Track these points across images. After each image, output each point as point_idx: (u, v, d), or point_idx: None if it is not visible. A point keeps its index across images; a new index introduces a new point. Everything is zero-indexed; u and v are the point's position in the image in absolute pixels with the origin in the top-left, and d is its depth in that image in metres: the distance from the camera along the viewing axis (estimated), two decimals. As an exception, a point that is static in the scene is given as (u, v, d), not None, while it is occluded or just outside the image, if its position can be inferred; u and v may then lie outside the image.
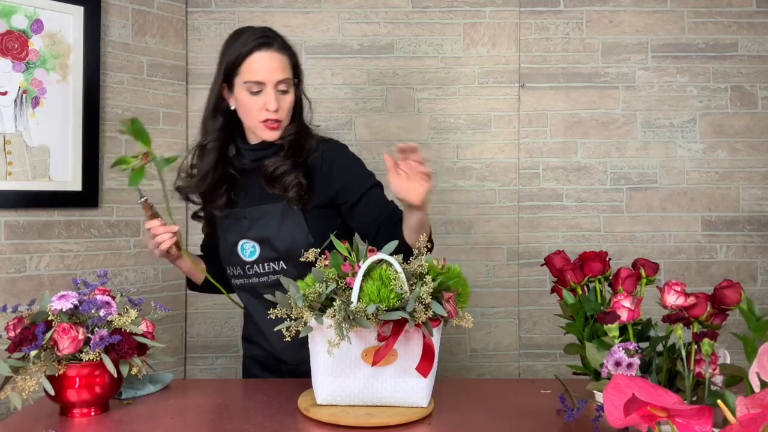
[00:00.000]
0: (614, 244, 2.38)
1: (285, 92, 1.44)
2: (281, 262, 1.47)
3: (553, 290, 1.35)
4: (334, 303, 1.09)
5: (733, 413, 0.62)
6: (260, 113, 1.42)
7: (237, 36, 1.45)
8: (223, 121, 1.48)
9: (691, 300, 1.16)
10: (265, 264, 1.48)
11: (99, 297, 1.20)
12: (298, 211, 1.45)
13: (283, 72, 1.42)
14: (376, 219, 1.45)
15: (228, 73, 1.43)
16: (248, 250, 1.48)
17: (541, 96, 2.39)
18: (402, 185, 1.24)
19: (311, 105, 1.58)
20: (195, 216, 1.64)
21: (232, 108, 1.47)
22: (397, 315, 1.08)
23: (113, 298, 1.24)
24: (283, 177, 1.44)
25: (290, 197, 1.44)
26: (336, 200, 1.48)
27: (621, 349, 1.04)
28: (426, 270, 1.16)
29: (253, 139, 1.51)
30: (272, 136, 1.45)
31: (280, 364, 1.56)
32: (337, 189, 1.47)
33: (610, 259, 1.32)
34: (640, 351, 1.06)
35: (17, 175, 1.89)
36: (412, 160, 1.24)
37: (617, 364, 1.03)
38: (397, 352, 1.14)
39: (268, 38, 1.42)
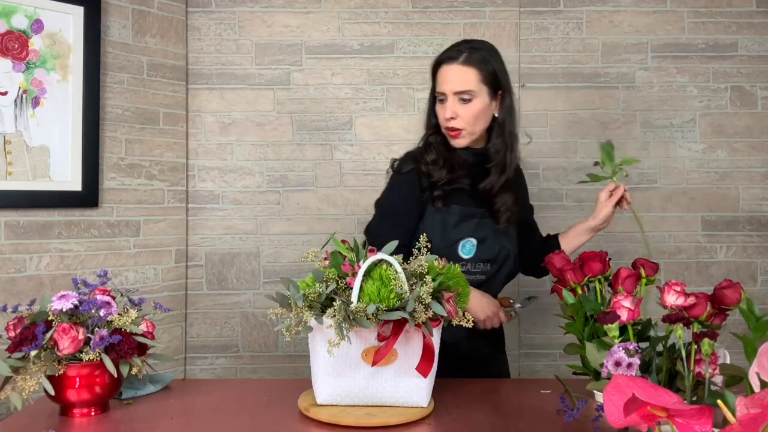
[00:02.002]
0: (614, 244, 2.38)
1: (466, 101, 1.51)
2: (491, 263, 1.56)
3: (553, 290, 1.35)
4: (334, 303, 1.09)
5: (733, 413, 0.62)
6: (443, 121, 1.54)
7: (448, 47, 1.57)
8: (438, 122, 1.58)
9: (691, 300, 1.16)
10: (479, 263, 1.56)
11: (99, 297, 1.20)
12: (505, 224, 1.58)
13: (463, 84, 1.50)
14: (538, 238, 1.75)
15: (432, 83, 1.57)
16: (468, 248, 1.53)
17: (541, 96, 2.39)
18: (610, 213, 1.57)
19: (514, 117, 1.60)
20: (434, 203, 1.58)
21: None
22: (397, 315, 1.08)
23: (113, 298, 1.24)
24: (496, 198, 1.57)
25: (501, 221, 1.57)
26: (523, 219, 1.68)
27: (621, 349, 1.04)
28: (426, 270, 1.17)
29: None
30: (455, 143, 1.55)
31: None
32: (525, 210, 1.71)
33: (610, 259, 1.32)
34: (640, 351, 1.06)
35: (17, 175, 1.89)
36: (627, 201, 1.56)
37: (617, 364, 1.03)
38: (397, 352, 1.14)
39: (457, 52, 1.52)
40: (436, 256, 1.23)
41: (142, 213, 2.19)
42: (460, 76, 1.50)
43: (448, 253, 1.49)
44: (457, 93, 1.50)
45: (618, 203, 1.56)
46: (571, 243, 1.65)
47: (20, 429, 1.12)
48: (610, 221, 1.60)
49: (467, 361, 1.58)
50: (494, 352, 1.71)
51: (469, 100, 1.50)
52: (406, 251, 1.53)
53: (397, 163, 1.61)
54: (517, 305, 1.61)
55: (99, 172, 2.06)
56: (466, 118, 1.51)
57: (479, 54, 1.52)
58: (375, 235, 1.55)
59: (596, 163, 1.55)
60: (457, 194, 1.54)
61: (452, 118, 1.50)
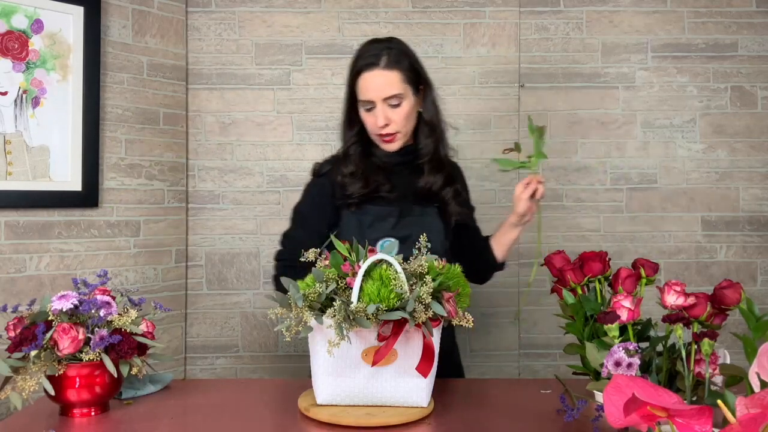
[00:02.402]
0: (614, 244, 2.38)
1: (396, 106, 1.48)
2: None
3: (553, 290, 1.35)
4: (334, 303, 1.09)
5: (733, 413, 0.62)
6: (374, 129, 1.50)
7: (357, 53, 1.52)
8: (359, 128, 1.55)
9: (691, 300, 1.16)
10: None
11: (99, 297, 1.20)
12: (438, 217, 1.55)
13: (391, 88, 1.47)
14: (478, 239, 1.67)
15: (350, 92, 1.53)
16: (387, 246, 1.48)
17: (541, 96, 2.39)
18: (527, 206, 1.47)
19: (438, 110, 1.58)
20: (348, 207, 1.56)
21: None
22: (397, 315, 1.08)
23: (113, 298, 1.24)
24: (440, 191, 1.55)
25: (451, 207, 1.54)
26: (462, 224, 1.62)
27: (621, 349, 1.04)
28: (426, 270, 1.17)
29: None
30: (389, 147, 1.53)
31: None
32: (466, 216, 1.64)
33: (610, 259, 1.32)
34: (640, 351, 1.06)
35: (17, 175, 1.89)
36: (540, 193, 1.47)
37: (617, 364, 1.03)
38: (397, 352, 1.14)
39: (375, 57, 1.47)
40: (436, 256, 1.23)
41: (142, 213, 2.19)
42: (385, 81, 1.46)
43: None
44: (386, 99, 1.47)
45: (533, 194, 1.48)
46: (500, 241, 1.59)
47: (20, 429, 1.12)
48: (532, 213, 1.51)
49: None
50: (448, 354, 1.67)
51: (398, 104, 1.48)
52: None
53: (317, 165, 1.60)
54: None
55: (99, 172, 2.06)
56: (399, 121, 1.49)
57: (396, 53, 1.49)
58: (289, 238, 1.56)
59: (511, 150, 1.48)
60: (371, 198, 1.52)
61: (386, 124, 1.48)
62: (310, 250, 1.22)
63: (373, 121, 1.49)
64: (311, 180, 1.61)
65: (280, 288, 1.52)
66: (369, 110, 1.49)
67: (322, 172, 1.57)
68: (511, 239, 1.58)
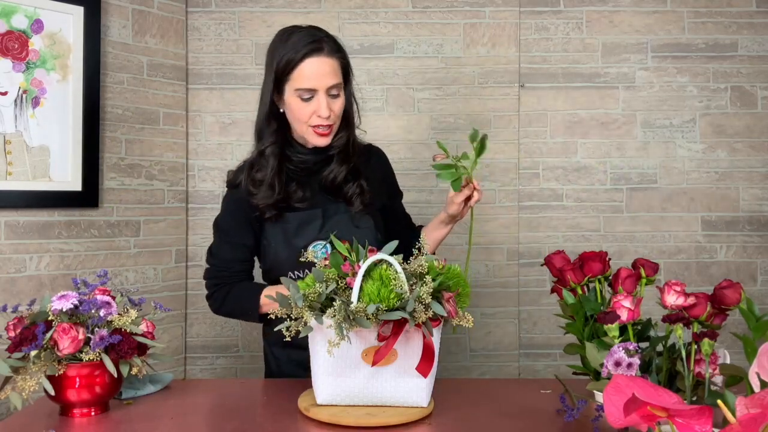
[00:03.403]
0: (614, 244, 2.38)
1: (336, 96, 1.40)
2: None
3: (553, 290, 1.35)
4: (334, 303, 1.09)
5: (733, 413, 0.62)
6: (311, 119, 1.39)
7: (286, 38, 1.39)
8: (278, 125, 1.45)
9: (691, 300, 1.16)
10: None
11: (99, 297, 1.20)
12: (364, 212, 1.49)
13: (335, 77, 1.38)
14: (405, 227, 1.63)
15: (278, 78, 1.39)
16: (320, 251, 1.43)
17: (541, 96, 2.39)
18: (459, 209, 1.41)
19: (359, 107, 1.52)
20: (267, 219, 1.47)
21: (281, 111, 1.45)
22: (397, 315, 1.08)
23: (113, 298, 1.24)
24: (344, 185, 1.47)
25: (355, 206, 1.46)
26: (388, 205, 1.58)
27: (621, 349, 1.04)
28: (426, 270, 1.17)
29: (305, 143, 1.49)
30: (323, 142, 1.43)
31: None
32: (389, 195, 1.60)
33: (610, 259, 1.32)
34: (640, 351, 1.06)
35: (17, 175, 1.89)
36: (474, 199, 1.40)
37: (617, 364, 1.03)
38: (397, 352, 1.14)
39: (319, 43, 1.37)
40: (436, 256, 1.23)
41: (142, 213, 2.19)
42: (330, 69, 1.37)
43: (299, 261, 1.33)
44: (329, 88, 1.37)
45: (468, 199, 1.41)
46: (431, 235, 1.50)
47: (20, 429, 1.12)
48: (463, 215, 1.45)
49: None
50: None
51: (338, 95, 1.40)
52: (246, 267, 1.50)
53: (231, 175, 1.50)
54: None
55: (99, 172, 2.06)
56: (338, 113, 1.41)
57: (335, 42, 1.41)
58: (214, 256, 1.50)
59: (442, 157, 1.37)
60: (288, 203, 1.44)
61: (329, 115, 1.38)
62: (310, 251, 1.22)
63: (311, 111, 1.38)
64: (227, 192, 1.51)
65: (216, 309, 1.50)
66: (307, 100, 1.37)
67: (237, 182, 1.47)
68: (441, 235, 1.51)
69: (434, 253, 1.53)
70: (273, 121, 1.44)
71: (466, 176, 1.36)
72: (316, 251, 1.42)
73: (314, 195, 1.47)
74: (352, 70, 1.47)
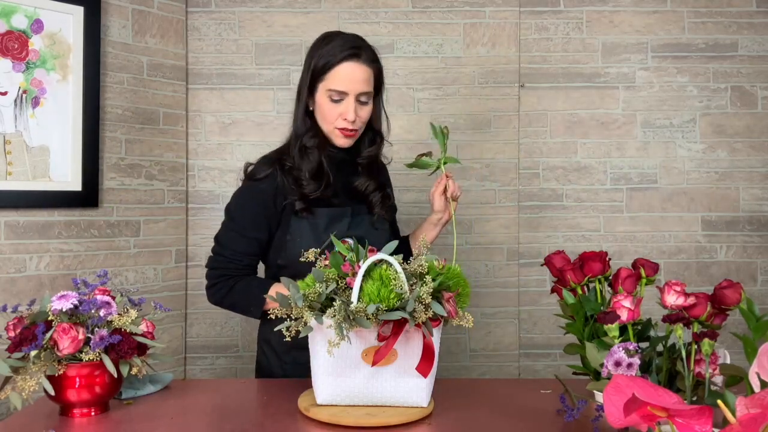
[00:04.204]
0: (614, 244, 2.38)
1: (364, 103, 1.46)
2: None
3: (553, 290, 1.35)
4: (334, 303, 1.09)
5: (733, 413, 0.62)
6: (337, 121, 1.44)
7: (328, 41, 1.45)
8: (312, 122, 1.49)
9: (691, 300, 1.16)
10: None
11: (99, 297, 1.20)
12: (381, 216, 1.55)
13: (367, 85, 1.44)
14: (394, 232, 1.68)
15: (314, 77, 1.44)
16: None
17: (541, 96, 2.39)
18: (441, 204, 1.53)
19: (389, 121, 1.59)
20: (297, 213, 1.47)
21: (311, 109, 1.49)
22: (397, 315, 1.08)
23: (113, 298, 1.24)
24: (370, 196, 1.53)
25: (378, 212, 1.53)
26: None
27: (621, 349, 1.04)
28: (426, 270, 1.17)
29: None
30: (346, 143, 1.48)
31: None
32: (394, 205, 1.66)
33: (610, 259, 1.32)
34: (640, 351, 1.06)
35: (17, 175, 1.89)
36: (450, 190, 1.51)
37: (617, 364, 1.03)
38: (397, 352, 1.14)
39: (358, 49, 1.43)
40: (436, 256, 1.23)
41: (142, 213, 2.19)
42: (364, 76, 1.42)
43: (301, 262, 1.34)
44: (359, 94, 1.43)
45: (445, 191, 1.50)
46: (419, 239, 1.56)
47: (20, 429, 1.12)
48: (448, 211, 1.53)
49: None
50: None
51: (366, 102, 1.45)
52: (253, 261, 1.50)
53: (251, 168, 1.50)
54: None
55: (99, 172, 2.06)
56: (364, 119, 1.47)
57: (373, 52, 1.47)
58: (223, 246, 1.49)
59: (423, 155, 1.49)
60: (320, 198, 1.46)
61: (355, 120, 1.43)
62: (311, 251, 1.22)
63: (339, 113, 1.43)
64: (248, 184, 1.49)
65: (217, 300, 1.49)
66: (337, 101, 1.43)
67: (260, 176, 1.46)
68: (432, 237, 1.57)
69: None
70: (307, 117, 1.49)
71: (436, 167, 1.48)
72: None
73: (340, 195, 1.51)
74: (383, 85, 1.53)
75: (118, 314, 1.20)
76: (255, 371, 1.64)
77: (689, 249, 2.39)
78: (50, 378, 1.12)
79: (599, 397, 1.19)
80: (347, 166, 1.54)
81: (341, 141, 1.47)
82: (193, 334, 2.36)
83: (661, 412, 0.61)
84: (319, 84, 1.44)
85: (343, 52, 1.41)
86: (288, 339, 1.09)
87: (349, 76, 1.41)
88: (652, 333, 1.20)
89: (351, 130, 1.45)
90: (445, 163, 1.48)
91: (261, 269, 1.58)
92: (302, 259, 1.22)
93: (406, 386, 1.15)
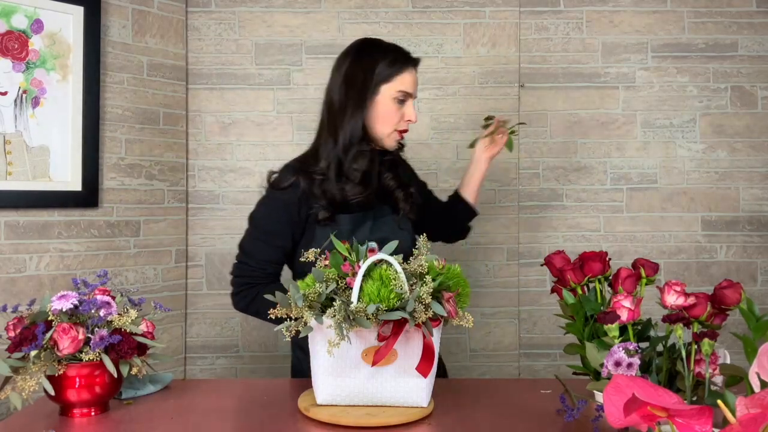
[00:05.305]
0: (614, 244, 2.38)
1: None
2: None
3: (553, 290, 1.35)
4: (334, 303, 1.09)
5: (733, 413, 0.62)
6: (400, 123, 1.49)
7: (383, 46, 1.50)
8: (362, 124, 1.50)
9: (691, 300, 1.16)
10: None
11: (99, 297, 1.20)
12: (405, 215, 1.57)
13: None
14: (444, 208, 1.76)
15: (378, 81, 1.46)
16: None
17: (541, 96, 2.39)
18: (487, 142, 1.69)
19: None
20: (320, 222, 1.47)
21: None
22: (397, 315, 1.08)
23: (113, 298, 1.24)
24: (395, 191, 1.55)
25: (402, 210, 1.54)
26: (425, 200, 1.68)
27: (621, 349, 1.04)
28: (426, 270, 1.17)
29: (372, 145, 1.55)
30: (395, 145, 1.54)
31: None
32: (423, 194, 1.69)
33: (610, 259, 1.32)
34: (640, 351, 1.06)
35: (17, 175, 1.89)
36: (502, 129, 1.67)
37: (617, 364, 1.03)
38: (397, 352, 1.14)
39: (414, 59, 1.52)
40: (436, 256, 1.23)
41: (142, 213, 2.19)
42: (416, 81, 1.51)
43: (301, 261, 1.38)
44: (415, 97, 1.51)
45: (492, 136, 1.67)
46: (470, 187, 1.72)
47: (20, 429, 1.12)
48: (494, 145, 1.71)
49: None
50: None
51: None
52: (277, 269, 1.51)
53: (274, 176, 1.50)
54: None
55: (99, 172, 2.06)
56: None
57: None
58: (248, 254, 1.49)
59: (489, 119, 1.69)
60: (342, 205, 1.46)
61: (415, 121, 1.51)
62: (311, 251, 1.22)
63: (401, 115, 1.48)
64: (272, 193, 1.49)
65: (242, 308, 1.49)
66: (401, 103, 1.48)
67: (284, 185, 1.46)
68: (478, 180, 1.71)
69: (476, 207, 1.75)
70: (361, 115, 1.49)
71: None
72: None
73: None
74: None
75: (118, 314, 1.20)
76: (290, 373, 1.67)
77: (689, 249, 2.39)
78: (50, 378, 1.12)
79: (599, 397, 1.19)
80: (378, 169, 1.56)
81: (394, 143, 1.52)
82: (193, 334, 2.36)
83: (661, 412, 0.61)
84: (381, 87, 1.46)
85: (408, 58, 1.49)
86: (288, 339, 1.09)
87: (414, 79, 1.49)
88: (652, 333, 1.20)
89: (406, 131, 1.52)
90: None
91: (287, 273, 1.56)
92: (302, 259, 1.22)
93: (406, 386, 1.15)
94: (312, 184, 1.45)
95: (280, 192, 1.47)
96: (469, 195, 1.71)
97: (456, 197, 1.73)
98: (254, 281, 1.48)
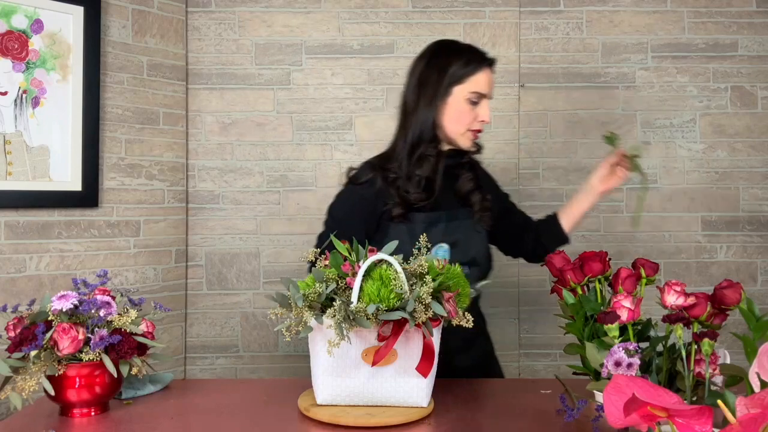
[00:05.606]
0: (614, 244, 2.38)
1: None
2: (468, 266, 1.50)
3: (553, 290, 1.35)
4: (334, 303, 1.09)
5: (733, 413, 0.62)
6: (473, 123, 1.49)
7: (458, 47, 1.51)
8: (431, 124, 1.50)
9: (691, 300, 1.16)
10: None
11: (99, 297, 1.20)
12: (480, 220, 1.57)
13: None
14: (524, 220, 1.72)
15: (451, 81, 1.47)
16: (441, 254, 1.48)
17: (541, 96, 2.39)
18: (606, 173, 1.60)
19: None
20: (394, 219, 1.49)
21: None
22: (397, 315, 1.08)
23: (113, 298, 1.24)
24: (470, 195, 1.54)
25: (478, 213, 1.54)
26: (503, 208, 1.66)
27: (621, 349, 1.04)
28: (426, 270, 1.17)
29: (444, 146, 1.54)
30: (471, 145, 1.52)
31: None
32: (502, 203, 1.68)
33: (610, 259, 1.32)
34: (640, 351, 1.06)
35: (17, 175, 1.89)
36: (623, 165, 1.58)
37: (617, 364, 1.03)
38: (397, 352, 1.14)
39: (490, 59, 1.52)
40: (436, 256, 1.23)
41: (142, 213, 2.19)
42: (493, 83, 1.51)
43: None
44: (490, 97, 1.50)
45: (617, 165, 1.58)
46: (571, 213, 1.64)
47: (20, 429, 1.12)
48: (615, 178, 1.62)
49: (455, 373, 1.55)
50: (481, 360, 1.69)
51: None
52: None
53: (353, 172, 1.54)
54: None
55: (99, 172, 2.06)
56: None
57: None
58: (322, 244, 1.48)
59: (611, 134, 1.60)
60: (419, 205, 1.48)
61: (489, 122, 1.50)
62: (311, 250, 1.22)
63: (474, 116, 1.48)
64: (349, 187, 1.53)
65: None
66: (475, 104, 1.48)
67: (363, 180, 1.49)
68: (585, 209, 1.63)
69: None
70: (431, 117, 1.49)
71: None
72: (437, 253, 1.47)
73: (442, 200, 1.52)
74: None
75: (118, 314, 1.20)
76: None
77: (689, 249, 2.39)
78: (50, 378, 1.12)
79: (599, 397, 1.19)
80: (449, 170, 1.55)
81: (469, 143, 1.51)
82: (193, 334, 2.36)
83: (661, 412, 0.61)
84: (455, 87, 1.46)
85: (484, 59, 1.50)
86: (288, 339, 1.09)
87: (488, 79, 1.49)
88: (652, 333, 1.20)
89: (480, 131, 1.51)
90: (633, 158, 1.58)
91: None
92: (302, 259, 1.22)
93: (406, 386, 1.15)
94: (386, 181, 1.48)
95: (357, 187, 1.50)
96: (567, 221, 1.64)
97: (552, 219, 1.66)
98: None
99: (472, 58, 1.49)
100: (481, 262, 1.55)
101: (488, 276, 1.60)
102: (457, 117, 1.48)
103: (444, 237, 1.48)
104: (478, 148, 1.57)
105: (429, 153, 1.48)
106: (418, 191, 1.46)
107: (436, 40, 1.56)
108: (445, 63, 1.48)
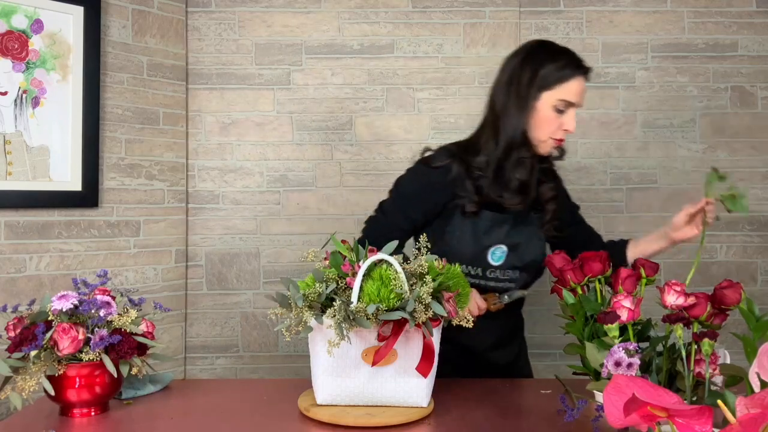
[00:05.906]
0: (614, 244, 2.38)
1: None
2: (520, 271, 1.51)
3: (553, 290, 1.35)
4: (334, 303, 1.09)
5: (733, 413, 0.62)
6: (557, 131, 1.45)
7: (554, 51, 1.45)
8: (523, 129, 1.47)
9: (691, 300, 1.16)
10: (507, 270, 1.51)
11: (99, 297, 1.20)
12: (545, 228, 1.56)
13: (584, 100, 1.47)
14: (589, 236, 1.71)
15: (541, 86, 1.43)
16: (498, 254, 1.48)
17: (541, 96, 2.38)
18: (686, 222, 1.48)
19: None
20: (465, 213, 1.48)
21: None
22: (397, 315, 1.08)
23: (113, 298, 1.24)
24: (548, 203, 1.54)
25: (546, 219, 1.54)
26: (566, 220, 1.63)
27: (621, 349, 1.04)
28: (426, 270, 1.17)
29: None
30: (550, 152, 1.51)
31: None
32: (572, 217, 1.67)
33: (610, 259, 1.32)
34: (640, 351, 1.06)
35: (17, 175, 1.89)
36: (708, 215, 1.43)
37: (617, 364, 1.03)
38: (397, 352, 1.14)
39: (585, 67, 1.45)
40: (436, 257, 1.23)
41: (142, 213, 2.19)
42: (584, 92, 1.45)
43: (478, 259, 1.46)
44: (579, 106, 1.45)
45: (696, 215, 1.46)
46: (642, 249, 1.59)
47: (20, 429, 1.12)
48: (691, 231, 1.49)
49: (490, 368, 1.57)
50: (515, 359, 1.70)
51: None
52: (402, 236, 1.50)
53: (429, 153, 1.51)
54: (505, 297, 1.52)
55: (99, 172, 2.06)
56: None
57: None
58: (383, 212, 1.53)
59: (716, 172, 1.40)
60: (488, 202, 1.47)
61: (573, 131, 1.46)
62: (310, 250, 1.22)
63: (559, 123, 1.43)
64: (423, 167, 1.50)
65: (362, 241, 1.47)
66: (560, 112, 1.43)
67: (435, 165, 1.47)
68: (652, 250, 1.58)
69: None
70: (522, 123, 1.46)
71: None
72: (495, 254, 1.47)
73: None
74: None
75: (118, 314, 1.20)
76: None
77: (689, 249, 2.39)
78: (50, 378, 1.12)
79: (599, 397, 1.19)
80: None
81: (549, 150, 1.49)
82: (193, 334, 2.36)
83: (661, 412, 0.61)
84: (544, 93, 1.42)
85: (579, 68, 1.44)
86: (288, 339, 1.09)
87: (580, 90, 1.43)
88: (652, 333, 1.20)
89: (562, 141, 1.47)
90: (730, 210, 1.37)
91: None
92: (309, 258, 1.21)
93: (406, 386, 1.15)
94: (468, 175, 1.46)
95: (430, 169, 1.48)
96: (632, 254, 1.61)
97: (621, 246, 1.64)
98: (377, 238, 1.44)
99: (568, 64, 1.43)
100: (533, 268, 1.54)
101: (533, 282, 1.60)
102: (541, 123, 1.44)
103: (506, 239, 1.48)
104: (562, 153, 1.55)
105: (524, 156, 1.46)
106: (512, 195, 1.45)
107: (534, 39, 1.52)
108: (537, 65, 1.44)
